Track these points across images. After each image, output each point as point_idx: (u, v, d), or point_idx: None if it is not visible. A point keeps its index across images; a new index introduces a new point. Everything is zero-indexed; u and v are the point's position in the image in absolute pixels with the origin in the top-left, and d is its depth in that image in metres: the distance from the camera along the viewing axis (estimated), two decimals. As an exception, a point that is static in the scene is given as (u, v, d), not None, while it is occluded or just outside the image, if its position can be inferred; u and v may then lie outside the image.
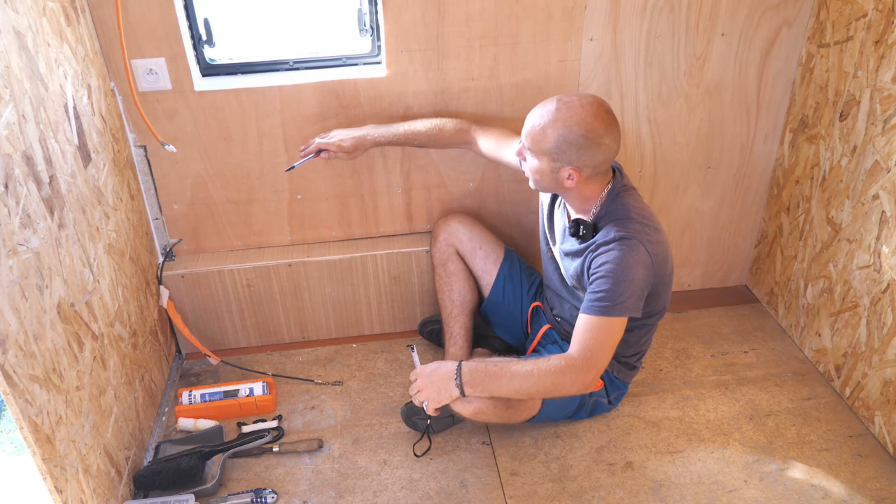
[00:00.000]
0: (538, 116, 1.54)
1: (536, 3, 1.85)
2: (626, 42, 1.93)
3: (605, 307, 1.54)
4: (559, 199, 1.75)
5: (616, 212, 1.60)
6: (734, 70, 2.02)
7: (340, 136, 1.85)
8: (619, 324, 1.55)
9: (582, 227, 1.62)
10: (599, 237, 1.59)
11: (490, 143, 1.86)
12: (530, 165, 1.60)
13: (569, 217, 1.70)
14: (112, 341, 1.65)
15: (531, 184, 1.65)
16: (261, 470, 1.81)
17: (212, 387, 1.98)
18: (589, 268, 1.60)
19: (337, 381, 2.09)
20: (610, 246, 1.56)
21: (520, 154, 1.64)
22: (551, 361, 1.54)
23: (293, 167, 1.91)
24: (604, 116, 1.51)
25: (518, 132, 1.86)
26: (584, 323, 1.56)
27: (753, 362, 2.12)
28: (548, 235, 1.83)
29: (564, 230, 1.71)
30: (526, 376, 1.54)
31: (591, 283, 1.58)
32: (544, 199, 1.83)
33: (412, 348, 1.76)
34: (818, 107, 1.97)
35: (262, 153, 1.96)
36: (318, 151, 1.86)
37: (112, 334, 1.66)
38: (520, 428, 1.89)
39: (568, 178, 1.56)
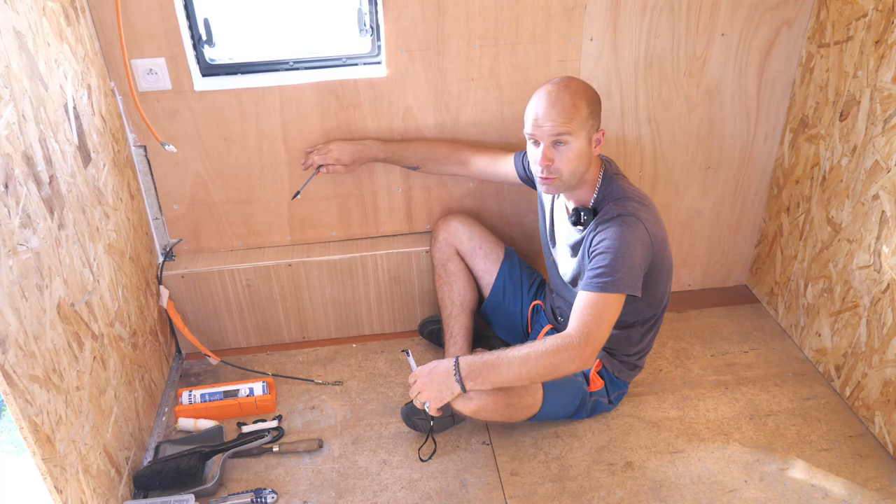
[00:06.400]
0: (556, 100, 1.54)
1: (536, 3, 1.85)
2: (626, 42, 1.93)
3: (604, 283, 1.54)
4: (557, 197, 1.78)
5: (613, 193, 1.64)
6: (734, 70, 2.02)
7: (338, 151, 1.90)
8: (617, 300, 1.55)
9: (583, 213, 1.65)
10: (598, 216, 1.62)
11: (484, 161, 1.91)
12: (571, 153, 1.56)
13: (567, 210, 1.73)
14: (112, 341, 1.65)
15: (566, 179, 1.59)
16: (261, 470, 1.81)
17: (212, 387, 1.98)
18: (590, 247, 1.61)
19: (337, 381, 2.09)
20: (608, 223, 1.58)
21: (546, 160, 1.57)
22: (547, 342, 1.54)
23: (298, 193, 1.97)
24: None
25: (511, 144, 1.89)
26: (582, 300, 1.56)
27: (753, 362, 2.12)
28: (549, 238, 1.83)
29: (567, 224, 1.73)
30: (524, 360, 1.54)
31: (590, 261, 1.59)
32: (545, 201, 1.84)
33: (408, 353, 1.77)
34: (818, 107, 1.96)
35: (262, 153, 1.96)
36: (318, 167, 1.92)
37: (112, 334, 1.66)
38: (520, 428, 1.89)
39: (597, 144, 1.61)
